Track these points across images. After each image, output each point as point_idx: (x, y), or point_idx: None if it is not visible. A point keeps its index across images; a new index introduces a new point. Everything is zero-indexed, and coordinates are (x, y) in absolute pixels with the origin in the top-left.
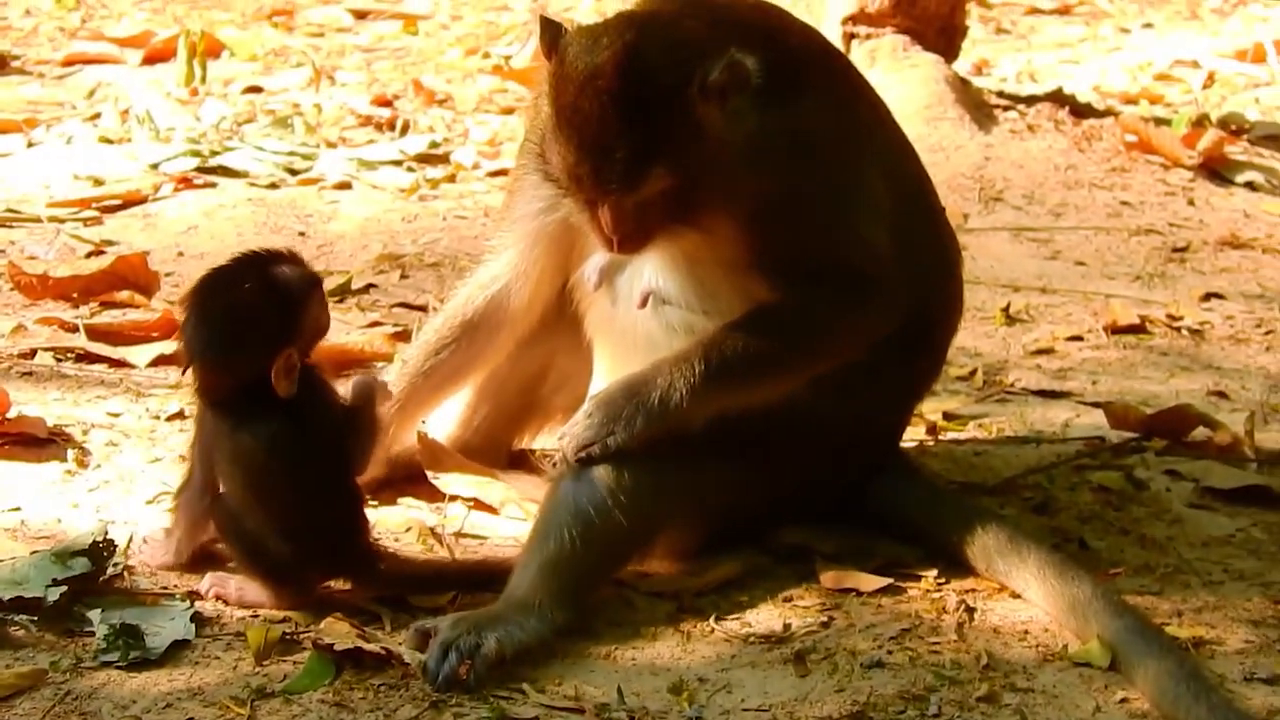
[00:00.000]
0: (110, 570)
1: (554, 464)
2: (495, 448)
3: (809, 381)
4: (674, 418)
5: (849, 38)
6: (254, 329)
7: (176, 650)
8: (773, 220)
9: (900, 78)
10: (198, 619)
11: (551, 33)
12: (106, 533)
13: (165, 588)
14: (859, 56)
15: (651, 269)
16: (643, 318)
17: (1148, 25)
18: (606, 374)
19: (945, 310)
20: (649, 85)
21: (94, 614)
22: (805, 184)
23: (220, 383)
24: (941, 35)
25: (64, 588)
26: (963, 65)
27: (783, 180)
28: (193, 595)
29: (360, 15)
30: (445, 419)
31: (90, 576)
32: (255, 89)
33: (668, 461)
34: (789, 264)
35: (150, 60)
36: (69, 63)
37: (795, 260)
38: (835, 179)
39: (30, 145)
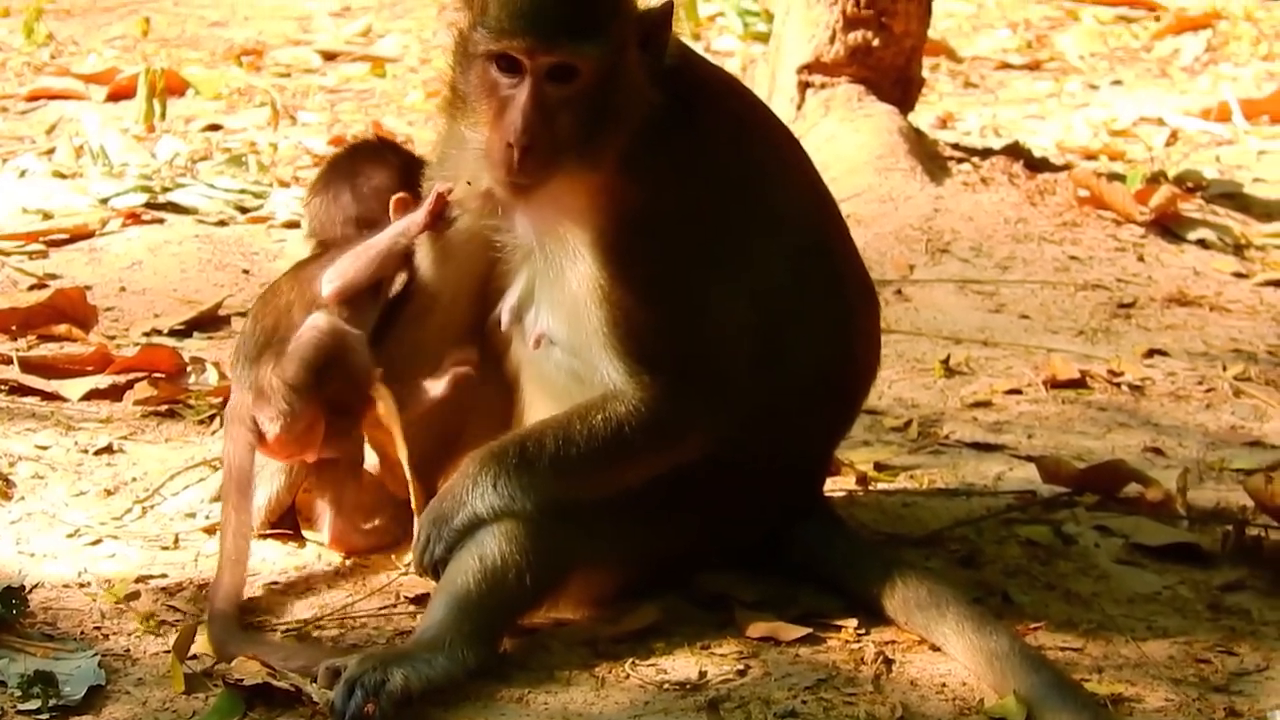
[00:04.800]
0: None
1: None
2: (426, 488)
3: (708, 416)
4: (488, 517)
5: (804, 86)
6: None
7: (93, 696)
8: (634, 244)
9: (854, 127)
10: (105, 664)
11: None
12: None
13: (67, 633)
14: (814, 105)
15: (543, 310)
16: (539, 358)
17: (1117, 82)
18: (526, 416)
19: (853, 356)
20: None
21: (1, 663)
22: (674, 209)
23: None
24: (897, 86)
25: None
26: (928, 118)
27: (657, 195)
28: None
29: (329, 57)
30: (376, 459)
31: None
32: (215, 127)
33: (571, 507)
34: (638, 314)
35: (114, 97)
36: (33, 98)
37: (644, 313)
38: (705, 218)
39: None
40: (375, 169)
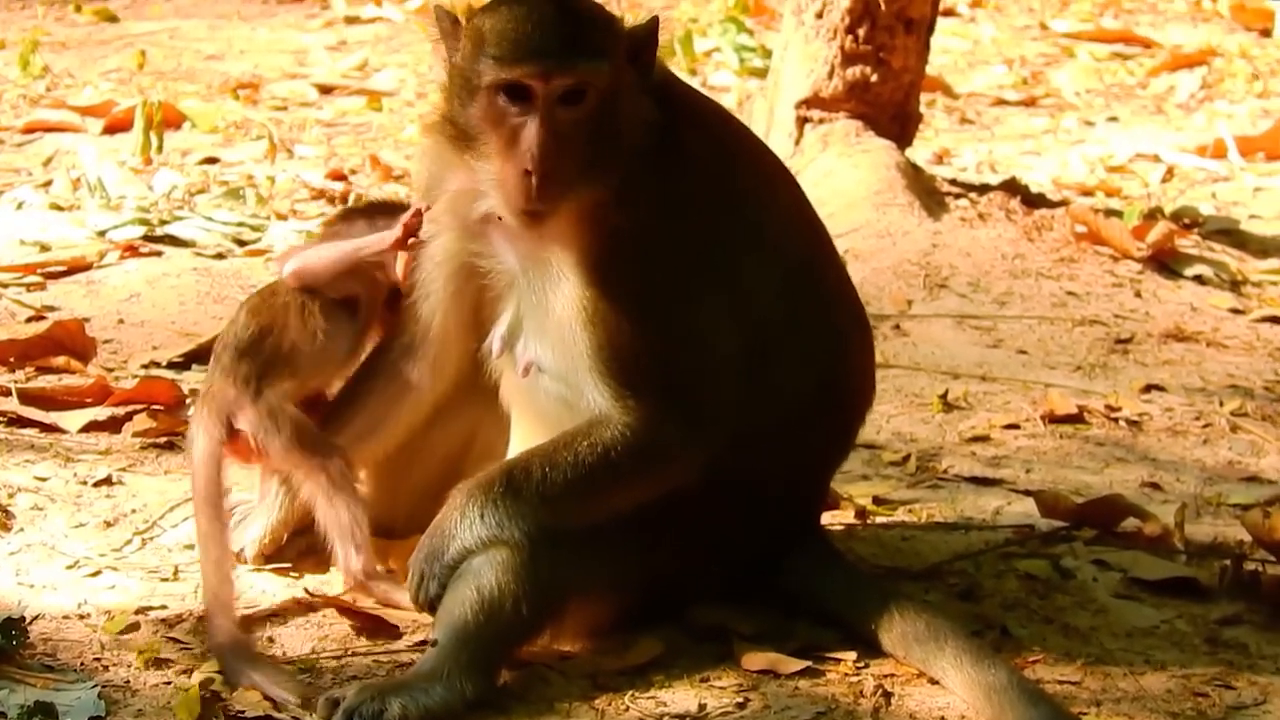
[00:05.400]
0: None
1: None
2: (422, 518)
3: (695, 441)
4: (478, 549)
5: (802, 121)
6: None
7: None
8: (620, 265)
9: (852, 162)
10: (105, 695)
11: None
12: (23, 611)
13: (67, 664)
14: (812, 140)
15: (531, 337)
16: (530, 386)
17: (1112, 119)
18: (519, 444)
19: (845, 381)
20: (592, 6)
21: (1, 694)
22: (661, 230)
23: None
24: (895, 121)
25: None
26: (924, 154)
27: (644, 215)
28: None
29: (325, 90)
30: (372, 488)
31: None
32: (212, 160)
33: (565, 535)
34: (623, 337)
35: (111, 129)
36: (29, 130)
37: (629, 336)
38: (691, 239)
39: None
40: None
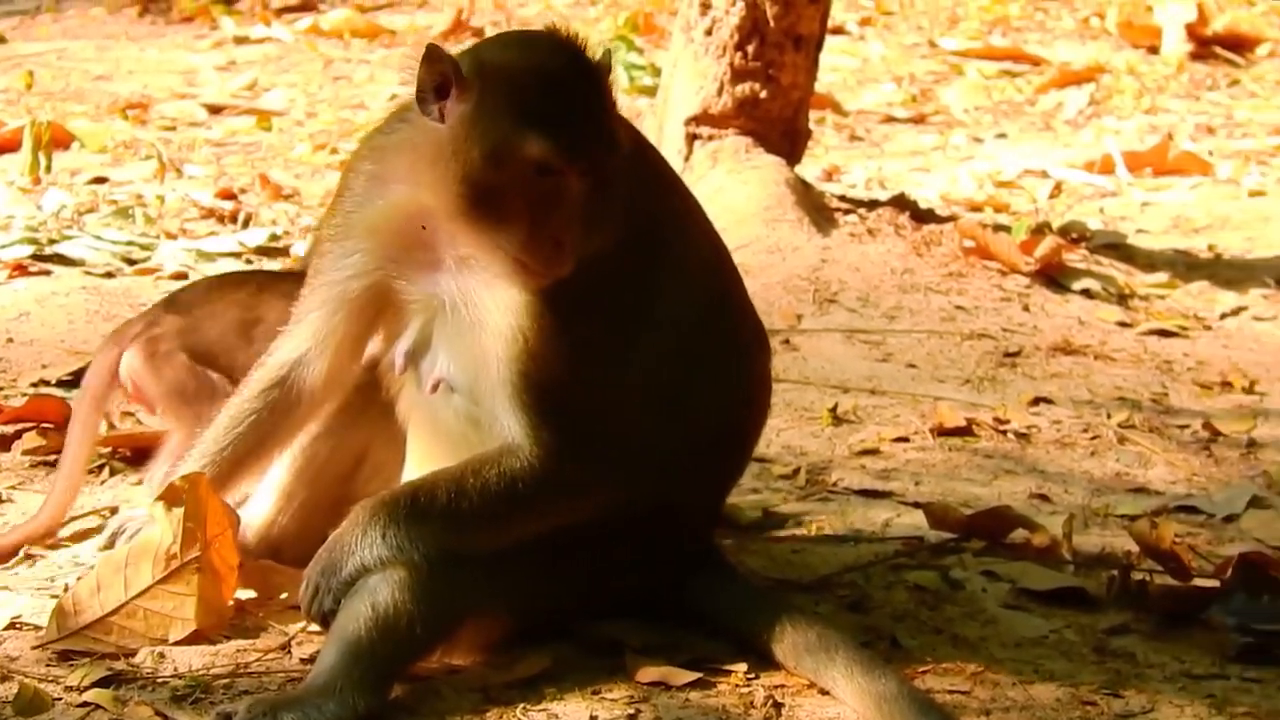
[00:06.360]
0: None
1: None
2: (311, 536)
3: (606, 474)
4: (376, 569)
5: (691, 138)
6: None
7: None
8: (571, 301)
9: (741, 179)
10: None
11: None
12: None
13: None
14: (701, 157)
15: (442, 354)
16: (436, 403)
17: (1001, 135)
18: (416, 461)
19: (749, 401)
20: (598, 70)
21: None
22: (604, 266)
23: None
24: (785, 138)
25: None
26: (813, 170)
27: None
28: None
29: (215, 110)
30: (260, 505)
31: None
32: (101, 179)
33: (465, 556)
34: (555, 368)
35: None
36: None
37: (562, 369)
38: (630, 272)
39: None
40: None
